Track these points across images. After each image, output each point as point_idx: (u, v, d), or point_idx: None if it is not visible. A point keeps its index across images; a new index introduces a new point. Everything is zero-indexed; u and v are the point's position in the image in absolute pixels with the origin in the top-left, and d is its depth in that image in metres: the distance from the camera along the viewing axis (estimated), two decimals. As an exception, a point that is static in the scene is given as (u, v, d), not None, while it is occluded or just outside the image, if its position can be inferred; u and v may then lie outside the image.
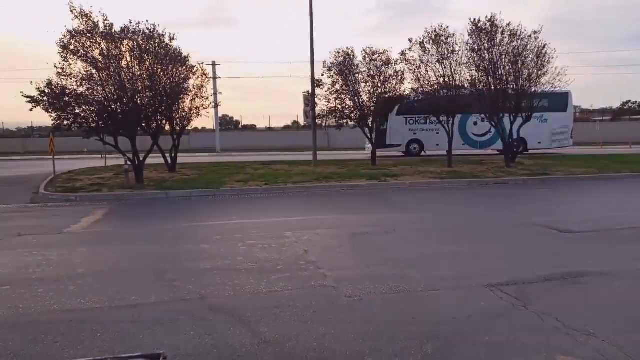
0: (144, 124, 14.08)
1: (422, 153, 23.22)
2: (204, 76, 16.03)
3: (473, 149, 23.21)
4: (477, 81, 16.66)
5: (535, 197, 11.69)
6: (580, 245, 6.64)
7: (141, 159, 13.71)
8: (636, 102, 59.67)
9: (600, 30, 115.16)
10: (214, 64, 37.18)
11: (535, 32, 15.78)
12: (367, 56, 17.16)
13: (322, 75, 17.53)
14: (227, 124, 68.98)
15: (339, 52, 17.33)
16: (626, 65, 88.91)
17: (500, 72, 16.15)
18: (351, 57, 17.29)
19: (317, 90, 17.73)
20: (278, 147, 37.79)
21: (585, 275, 5.15)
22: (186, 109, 15.72)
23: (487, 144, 23.11)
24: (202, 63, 16.20)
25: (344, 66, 17.23)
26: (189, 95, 15.47)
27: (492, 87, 16.35)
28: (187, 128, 17.16)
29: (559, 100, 22.71)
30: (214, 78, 34.68)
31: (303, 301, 4.48)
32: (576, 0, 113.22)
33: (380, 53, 17.11)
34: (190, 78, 15.17)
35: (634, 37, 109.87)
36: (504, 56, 15.99)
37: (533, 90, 16.32)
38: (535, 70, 15.91)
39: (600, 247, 6.43)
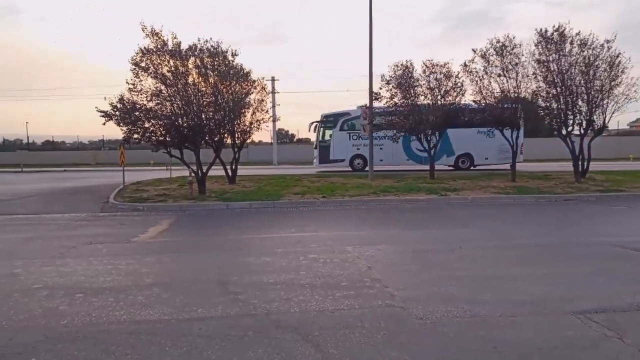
0: (207, 138, 14.50)
1: (367, 169, 22.14)
2: (264, 90, 16.32)
3: (417, 164, 22.28)
4: (544, 93, 15.83)
5: (609, 215, 10.85)
6: (673, 270, 6.01)
7: (204, 171, 14.10)
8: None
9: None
10: (273, 79, 38.05)
11: (607, 41, 14.85)
12: (427, 69, 16.85)
13: (380, 88, 17.38)
14: (282, 137, 70.26)
15: (397, 66, 17.14)
16: None
17: (569, 84, 15.28)
18: (410, 70, 17.03)
19: (375, 104, 17.57)
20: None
21: (682, 304, 4.61)
22: (247, 123, 16.04)
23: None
24: (263, 78, 16.54)
25: (403, 79, 16.98)
26: (249, 109, 15.80)
27: (561, 99, 15.48)
28: (246, 141, 17.51)
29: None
30: (273, 92, 35.40)
31: (371, 322, 4.29)
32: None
33: (441, 66, 16.73)
34: (251, 93, 15.50)
35: None
36: (573, 67, 15.14)
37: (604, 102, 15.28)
38: (609, 81, 14.93)
39: (698, 274, 5.78)
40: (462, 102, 17.31)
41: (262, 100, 16.11)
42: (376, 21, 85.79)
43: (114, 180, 18.13)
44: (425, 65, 16.87)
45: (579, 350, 3.68)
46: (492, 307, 4.62)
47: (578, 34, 15.00)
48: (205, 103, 13.79)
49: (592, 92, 15.23)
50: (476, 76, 16.14)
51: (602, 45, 14.86)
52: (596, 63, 15.01)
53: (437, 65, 16.77)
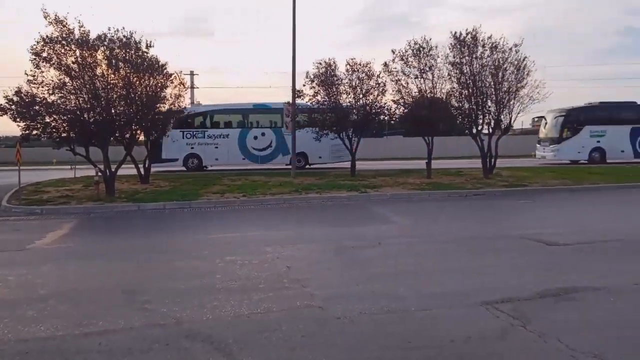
0: (117, 134, 13.55)
1: (205, 168, 22.22)
2: (182, 85, 15.59)
3: (254, 163, 22.01)
4: (457, 94, 16.66)
5: (515, 209, 11.64)
6: (569, 258, 6.49)
7: (112, 170, 13.14)
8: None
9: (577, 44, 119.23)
10: (192, 74, 36.74)
11: (515, 45, 15.92)
12: (350, 67, 17.05)
13: (304, 85, 17.33)
14: (203, 134, 67.95)
15: (320, 63, 17.17)
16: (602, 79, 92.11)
17: (480, 85, 16.20)
18: (333, 68, 17.14)
19: (298, 101, 17.48)
20: (255, 158, 37.32)
21: (578, 290, 4.96)
22: (162, 118, 15.21)
23: (267, 158, 21.82)
24: (180, 72, 15.81)
25: (326, 77, 17.05)
26: (165, 104, 15.00)
27: (472, 100, 16.38)
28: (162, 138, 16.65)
29: None
30: (192, 87, 34.15)
31: (289, 324, 4.13)
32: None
33: (363, 65, 17.01)
34: (167, 87, 14.73)
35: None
36: (484, 69, 16.06)
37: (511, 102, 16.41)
38: (515, 83, 16.03)
39: (589, 261, 6.28)
40: (383, 101, 17.68)
41: (180, 96, 15.40)
42: (301, 20, 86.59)
43: (10, 180, 16.39)
44: (349, 64, 17.07)
45: (489, 341, 3.79)
46: (408, 302, 4.66)
47: (490, 37, 15.91)
48: (115, 97, 12.87)
49: (501, 94, 16.22)
50: (396, 76, 16.61)
51: (510, 49, 15.89)
52: (505, 66, 16.02)
53: (359, 65, 17.02)
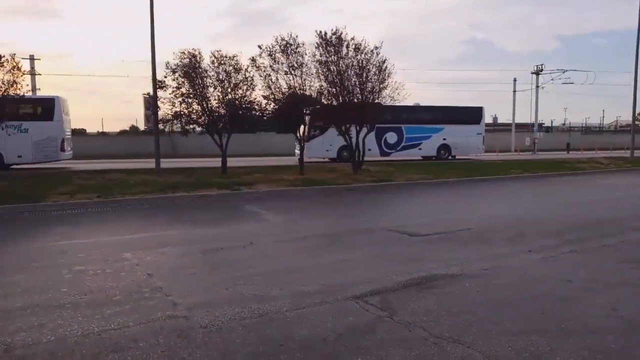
0: None
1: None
2: (17, 70, 13.46)
3: None
4: (325, 92, 17.11)
5: (383, 203, 12.31)
6: (429, 248, 6.96)
7: None
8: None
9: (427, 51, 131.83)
10: (32, 58, 32.11)
11: (376, 47, 16.84)
12: (215, 60, 16.37)
13: (166, 76, 16.20)
14: (48, 127, 60.63)
15: (184, 53, 16.21)
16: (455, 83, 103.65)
17: (346, 84, 16.84)
18: (198, 59, 16.31)
19: (160, 93, 16.31)
20: (113, 154, 33.94)
21: (438, 278, 5.29)
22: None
23: None
24: (14, 54, 13.64)
25: (190, 68, 16.16)
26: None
27: (340, 98, 16.97)
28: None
29: (46, 108, 19.44)
30: (32, 74, 29.89)
31: (148, 339, 3.68)
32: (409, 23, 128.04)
33: (230, 58, 16.48)
34: (-4, 71, 12.61)
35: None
36: (349, 69, 16.72)
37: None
38: (378, 84, 16.98)
39: (446, 250, 6.76)
40: (253, 96, 17.37)
41: (15, 82, 13.26)
42: (163, 11, 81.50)
43: None
44: (214, 56, 16.39)
45: (359, 335, 3.80)
46: (280, 302, 4.51)
47: (353, 38, 16.60)
48: None
49: (365, 93, 17.09)
50: (264, 72, 16.44)
51: (372, 51, 16.76)
52: (368, 67, 16.87)
53: (225, 57, 16.46)
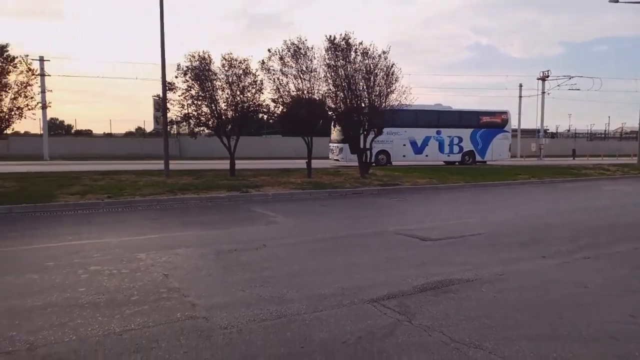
0: None
1: None
2: (30, 72, 13.54)
3: None
4: (333, 95, 17.15)
5: (390, 206, 12.30)
6: (441, 252, 6.94)
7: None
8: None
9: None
10: (41, 59, 32.28)
11: (384, 52, 16.89)
12: (226, 63, 16.45)
13: (176, 77, 16.29)
14: (56, 128, 61.29)
15: (194, 56, 16.31)
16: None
17: (354, 88, 16.88)
18: (208, 62, 16.40)
19: (170, 95, 16.39)
20: (120, 156, 34.28)
21: (454, 283, 5.28)
22: (5, 109, 13.07)
23: None
24: (27, 56, 13.73)
25: (200, 71, 16.24)
26: (9, 92, 12.90)
27: (347, 102, 17.01)
28: (5, 132, 14.32)
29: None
30: (42, 75, 30.06)
31: (169, 340, 3.70)
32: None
33: (240, 62, 16.54)
34: (10, 72, 12.67)
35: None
36: (357, 73, 16.76)
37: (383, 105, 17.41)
38: (385, 88, 17.02)
39: (459, 254, 6.73)
40: (262, 99, 17.44)
41: (28, 84, 13.34)
42: (172, 14, 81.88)
43: None
44: (225, 59, 16.48)
45: (379, 338, 3.80)
46: (297, 304, 4.52)
47: (361, 43, 16.66)
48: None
49: (373, 97, 17.12)
50: (274, 75, 16.50)
51: (380, 56, 16.82)
52: (375, 71, 16.91)
53: (236, 60, 16.54)
